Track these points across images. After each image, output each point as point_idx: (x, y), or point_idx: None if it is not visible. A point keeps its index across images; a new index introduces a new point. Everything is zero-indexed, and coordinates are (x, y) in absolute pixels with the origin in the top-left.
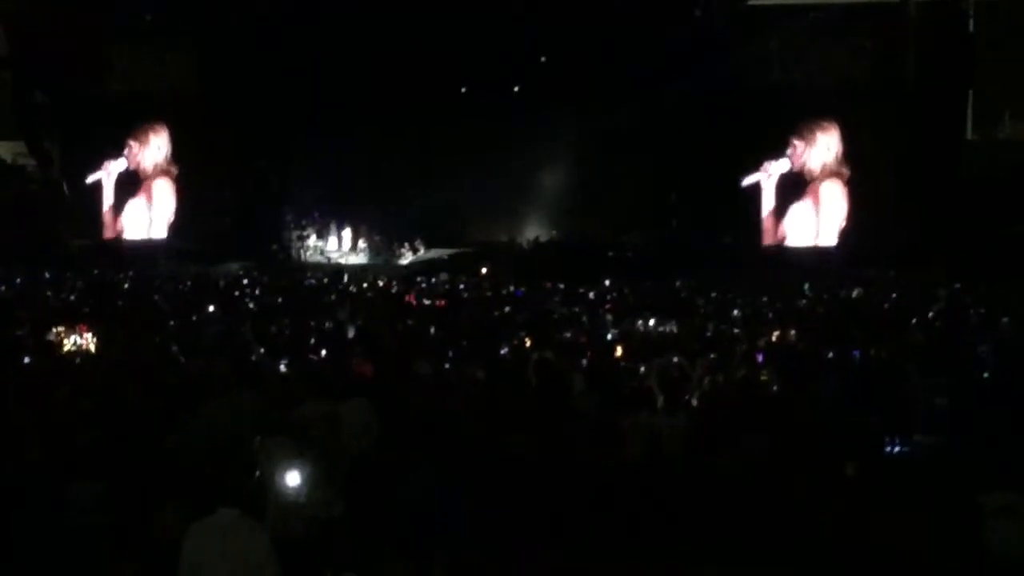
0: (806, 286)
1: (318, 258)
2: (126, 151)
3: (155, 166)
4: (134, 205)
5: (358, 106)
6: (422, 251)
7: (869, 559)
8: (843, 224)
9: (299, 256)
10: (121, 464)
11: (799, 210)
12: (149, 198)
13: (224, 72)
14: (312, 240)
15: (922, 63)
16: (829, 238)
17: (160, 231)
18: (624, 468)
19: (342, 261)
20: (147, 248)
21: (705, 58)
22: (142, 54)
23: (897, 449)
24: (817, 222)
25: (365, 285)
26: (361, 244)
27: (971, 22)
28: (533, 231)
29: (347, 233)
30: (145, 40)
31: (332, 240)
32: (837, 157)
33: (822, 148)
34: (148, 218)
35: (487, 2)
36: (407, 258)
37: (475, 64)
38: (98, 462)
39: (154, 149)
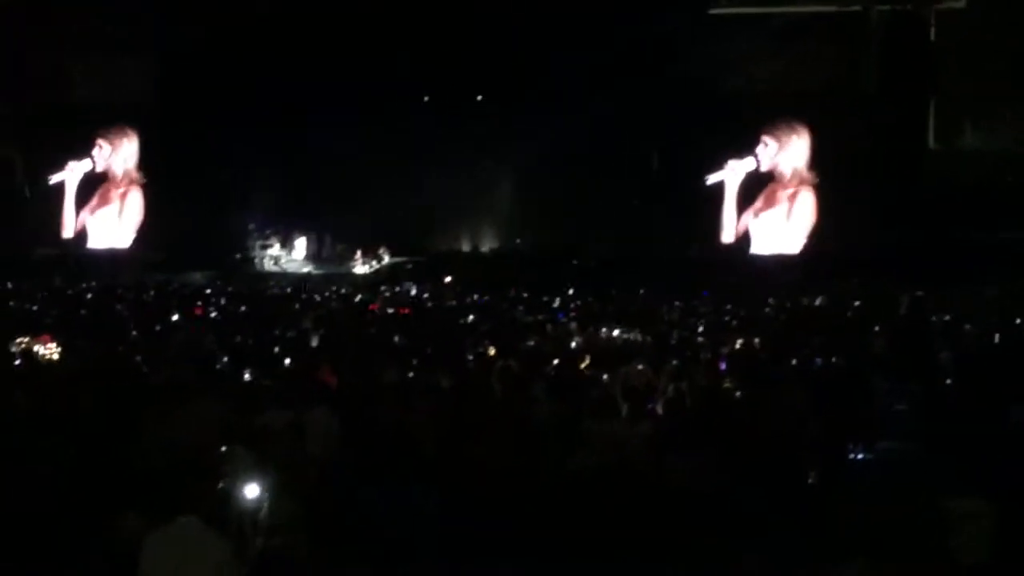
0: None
1: (280, 267)
2: (86, 157)
3: (117, 174)
4: (95, 213)
5: (320, 115)
6: (386, 259)
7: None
8: (806, 231)
9: (262, 265)
10: (81, 472)
11: (761, 216)
12: (110, 207)
13: (184, 82)
14: (275, 249)
15: (884, 72)
16: (792, 245)
17: (122, 240)
18: (587, 476)
19: (305, 270)
20: (110, 257)
21: (668, 65)
22: (102, 64)
23: (860, 456)
24: (779, 229)
25: (329, 294)
26: (324, 253)
27: (932, 31)
28: (497, 239)
29: (310, 242)
30: (105, 50)
31: (295, 249)
32: (799, 164)
33: (785, 154)
34: (110, 227)
35: (449, 9)
36: (371, 267)
37: (437, 72)
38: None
39: (115, 157)
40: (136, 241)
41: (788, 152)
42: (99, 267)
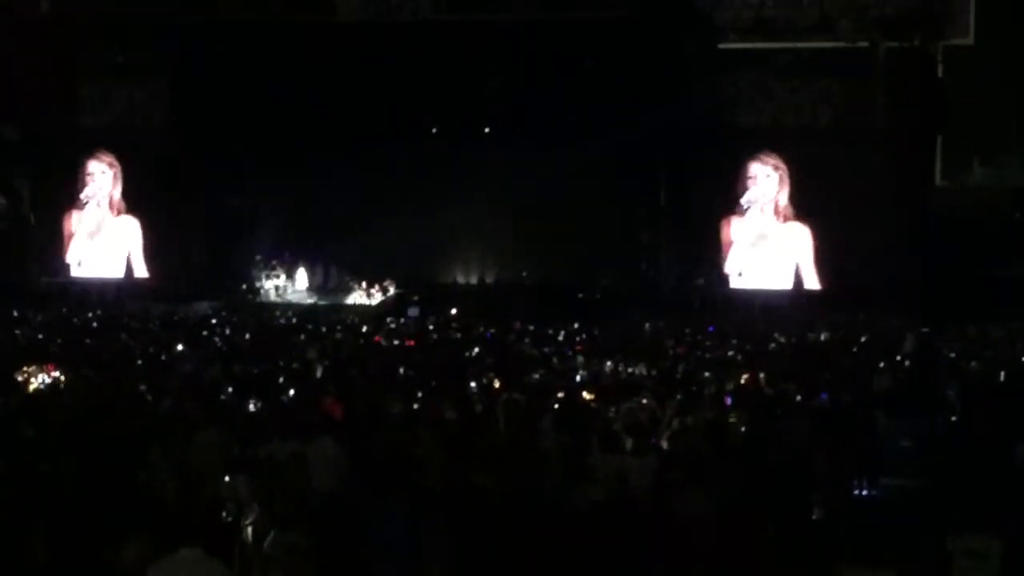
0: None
1: (284, 298)
2: (95, 187)
3: (111, 204)
4: (102, 242)
5: (328, 146)
6: (391, 291)
7: None
8: (812, 267)
9: (267, 296)
10: (86, 501)
11: (768, 251)
12: (118, 236)
13: (193, 110)
14: (280, 280)
15: (891, 108)
16: (782, 281)
17: (111, 268)
18: (593, 508)
19: (309, 301)
20: (115, 286)
21: (676, 99)
22: (112, 92)
23: (865, 492)
24: (786, 264)
25: (333, 325)
26: (329, 284)
27: (940, 67)
28: (503, 272)
29: (315, 273)
30: (115, 78)
31: (299, 280)
32: (807, 199)
33: (792, 189)
34: (100, 253)
35: (457, 41)
36: (375, 298)
37: (445, 104)
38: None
39: (110, 186)
40: (126, 269)
41: (783, 187)
42: (104, 296)
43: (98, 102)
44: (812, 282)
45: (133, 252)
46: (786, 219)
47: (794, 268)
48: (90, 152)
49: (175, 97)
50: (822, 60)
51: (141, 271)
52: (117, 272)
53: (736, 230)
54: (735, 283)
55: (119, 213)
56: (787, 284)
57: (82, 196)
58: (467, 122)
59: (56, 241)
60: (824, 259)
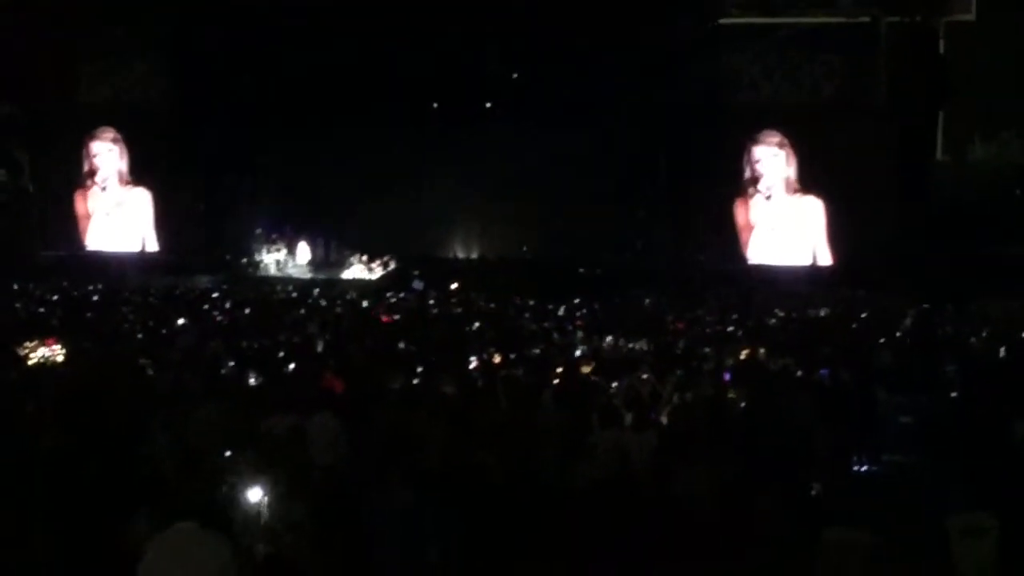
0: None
1: (284, 272)
2: (95, 162)
3: (120, 178)
4: (100, 215)
5: (329, 120)
6: (392, 265)
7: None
8: (812, 243)
9: (267, 270)
10: (86, 476)
11: (770, 228)
12: (117, 211)
13: (193, 85)
14: (282, 254)
15: (893, 84)
16: (798, 257)
17: (129, 243)
18: (592, 485)
19: (308, 276)
20: (116, 260)
21: (676, 75)
22: (112, 66)
23: (864, 468)
24: (785, 240)
25: (335, 301)
26: (330, 258)
27: (942, 43)
28: (503, 247)
29: (315, 247)
30: (115, 53)
31: (301, 254)
32: (806, 175)
33: (792, 165)
34: (117, 230)
35: (458, 16)
36: (376, 273)
37: (446, 79)
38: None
39: (118, 161)
40: (142, 244)
41: (791, 162)
42: (105, 270)
43: (97, 77)
44: (825, 257)
45: (134, 226)
46: (786, 195)
47: (793, 244)
48: (91, 131)
49: (174, 72)
50: (823, 35)
51: (142, 245)
52: (117, 246)
53: (748, 211)
54: (733, 259)
55: (119, 186)
56: (785, 260)
57: (97, 177)
58: (467, 98)
59: (56, 215)
60: (823, 234)
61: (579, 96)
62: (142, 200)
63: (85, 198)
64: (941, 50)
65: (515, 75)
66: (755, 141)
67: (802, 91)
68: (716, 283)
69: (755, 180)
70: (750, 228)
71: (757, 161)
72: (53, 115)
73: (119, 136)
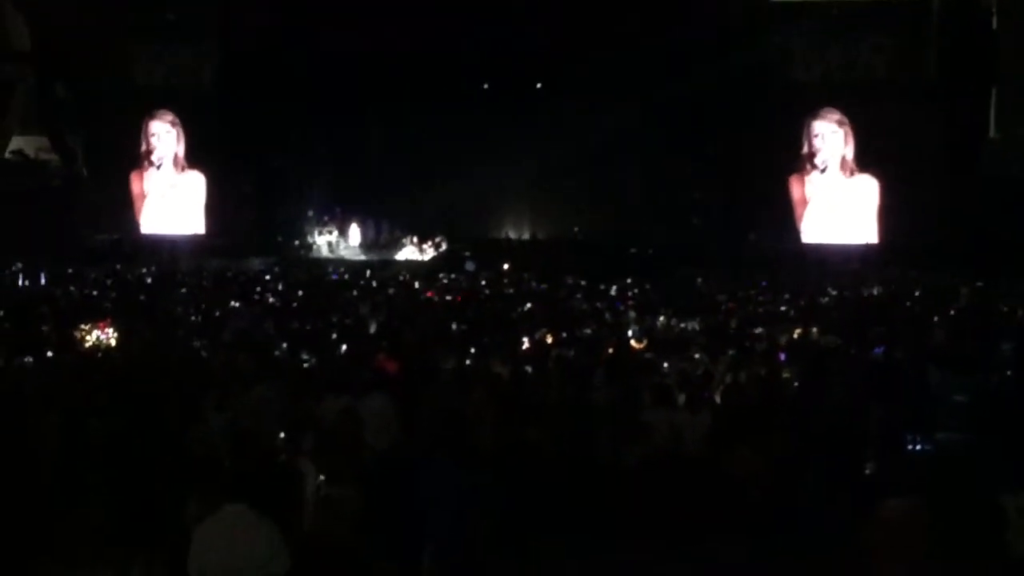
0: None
1: (336, 254)
2: (152, 142)
3: (176, 161)
4: (154, 199)
5: (379, 102)
6: (443, 247)
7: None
8: (865, 221)
9: (319, 252)
10: (141, 458)
11: (821, 206)
12: (171, 193)
13: (244, 68)
14: (333, 236)
15: (945, 60)
16: (851, 235)
17: (183, 226)
18: (645, 464)
19: (362, 257)
20: (169, 243)
21: (727, 55)
22: (164, 50)
23: (919, 447)
24: (839, 219)
25: (386, 281)
26: (381, 240)
27: (994, 19)
28: (555, 227)
29: (367, 228)
30: (166, 36)
31: (351, 236)
32: (859, 153)
33: (845, 143)
34: (171, 212)
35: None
36: (428, 254)
37: (497, 59)
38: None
39: (175, 144)
40: (195, 227)
41: (848, 141)
42: (158, 253)
43: (148, 61)
44: (864, 236)
45: (186, 209)
46: (852, 173)
47: (846, 222)
48: (150, 112)
49: (224, 55)
50: (874, 13)
51: (194, 228)
52: (170, 229)
53: (804, 188)
54: (786, 238)
55: (172, 171)
56: (839, 239)
57: (152, 157)
58: (518, 78)
59: (109, 199)
60: (877, 213)
61: (630, 75)
62: (196, 183)
63: (141, 179)
64: (993, 25)
65: (565, 55)
66: (815, 116)
67: (854, 69)
68: (768, 262)
69: (812, 156)
70: (804, 204)
71: (816, 136)
72: (106, 99)
73: (177, 120)
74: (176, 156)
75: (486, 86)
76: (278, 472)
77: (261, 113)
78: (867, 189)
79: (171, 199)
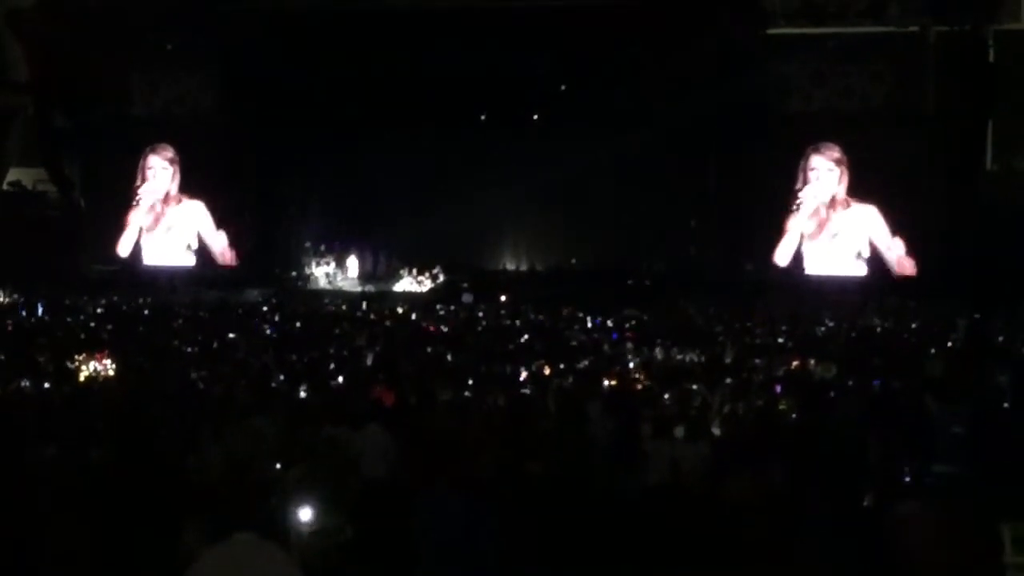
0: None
1: (333, 285)
2: (145, 175)
3: (167, 198)
4: (151, 230)
5: (376, 133)
6: (441, 278)
7: None
8: (862, 253)
9: (317, 283)
10: (137, 488)
11: (816, 236)
12: (168, 223)
13: (243, 98)
14: (331, 267)
15: (942, 93)
16: (848, 266)
17: (179, 257)
18: (643, 495)
19: (358, 289)
20: (166, 274)
21: (725, 84)
22: (163, 80)
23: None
24: (835, 249)
25: (383, 312)
26: (378, 271)
27: (991, 52)
28: (552, 258)
29: (364, 259)
30: (166, 66)
31: (351, 267)
32: (855, 184)
33: (841, 174)
34: (168, 244)
35: (505, 27)
36: (426, 285)
37: (493, 90)
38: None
39: (170, 181)
40: (191, 258)
41: (843, 179)
42: (155, 284)
43: (147, 91)
44: (860, 267)
45: (183, 240)
46: (835, 204)
47: (842, 253)
48: (151, 145)
49: (222, 86)
50: (872, 45)
51: (191, 259)
52: (167, 260)
53: (794, 221)
54: (782, 269)
55: (168, 202)
56: (835, 270)
57: (141, 190)
58: (515, 108)
59: (107, 229)
60: (873, 244)
61: (627, 106)
62: (192, 214)
63: (137, 211)
64: (991, 58)
65: (563, 86)
66: (816, 149)
67: (852, 100)
68: (765, 292)
69: (807, 194)
70: (800, 237)
71: (812, 169)
72: (105, 129)
73: (176, 157)
74: (168, 194)
75: (483, 117)
76: (275, 502)
77: (259, 143)
78: (863, 219)
79: (167, 231)
